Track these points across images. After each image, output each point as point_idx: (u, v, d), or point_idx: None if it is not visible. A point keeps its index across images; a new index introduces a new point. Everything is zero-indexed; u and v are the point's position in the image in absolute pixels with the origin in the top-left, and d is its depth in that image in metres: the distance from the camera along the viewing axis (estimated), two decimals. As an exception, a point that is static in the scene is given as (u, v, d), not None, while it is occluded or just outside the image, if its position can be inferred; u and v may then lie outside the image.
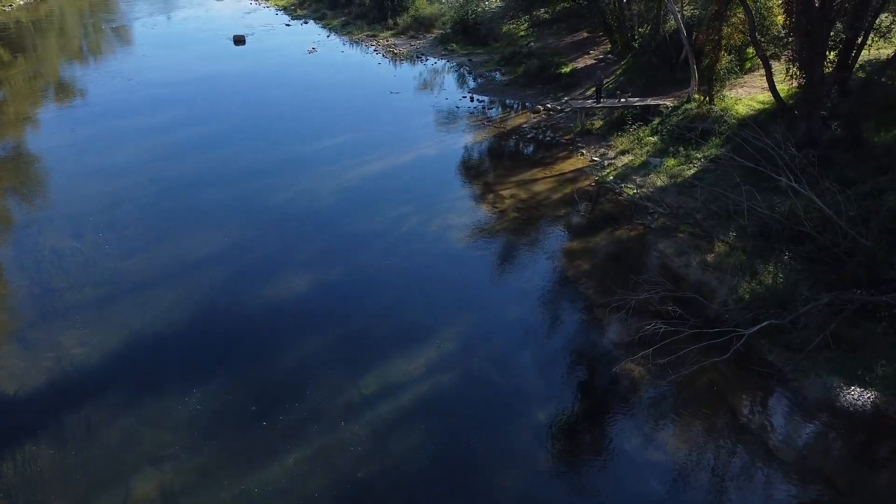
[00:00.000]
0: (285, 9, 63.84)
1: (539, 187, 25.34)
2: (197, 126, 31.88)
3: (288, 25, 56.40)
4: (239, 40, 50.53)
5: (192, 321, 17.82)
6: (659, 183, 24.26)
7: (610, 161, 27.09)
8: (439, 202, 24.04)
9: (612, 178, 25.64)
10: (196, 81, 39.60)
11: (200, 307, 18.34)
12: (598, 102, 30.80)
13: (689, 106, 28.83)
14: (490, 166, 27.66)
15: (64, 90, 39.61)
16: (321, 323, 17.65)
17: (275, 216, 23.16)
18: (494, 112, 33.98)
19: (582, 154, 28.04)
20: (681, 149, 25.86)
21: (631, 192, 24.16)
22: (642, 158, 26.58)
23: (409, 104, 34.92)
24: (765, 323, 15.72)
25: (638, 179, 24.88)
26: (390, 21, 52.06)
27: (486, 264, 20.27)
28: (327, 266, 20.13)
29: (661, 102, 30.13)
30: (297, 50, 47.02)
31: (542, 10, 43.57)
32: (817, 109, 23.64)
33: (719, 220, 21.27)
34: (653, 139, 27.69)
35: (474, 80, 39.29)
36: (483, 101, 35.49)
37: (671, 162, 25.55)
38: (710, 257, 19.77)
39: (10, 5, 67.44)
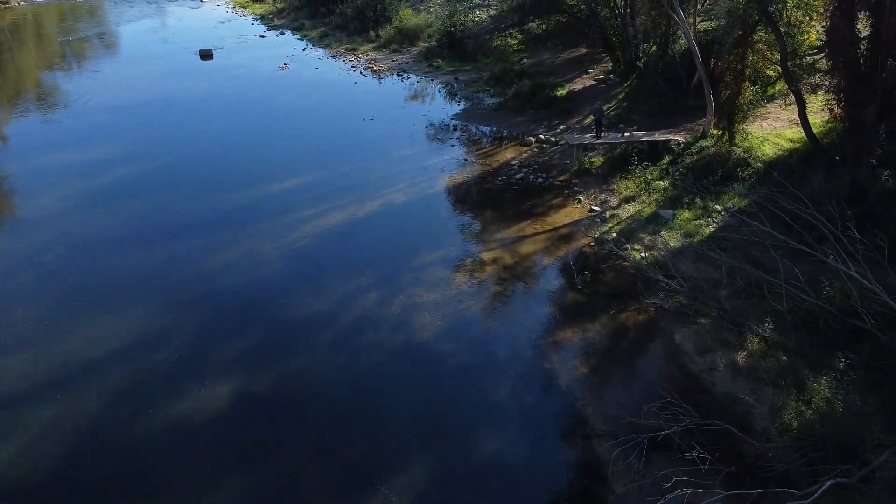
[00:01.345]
0: (262, 18, 59.63)
1: (527, 248, 21.09)
2: (130, 165, 27.58)
3: (262, 37, 52.17)
4: (206, 55, 46.31)
5: (67, 458, 13.59)
6: (672, 243, 20.03)
7: (612, 211, 22.85)
8: (405, 270, 19.77)
9: (614, 234, 21.39)
10: (146, 105, 35.36)
11: (80, 437, 14.08)
12: (598, 137, 26.53)
13: (704, 143, 24.59)
14: (470, 219, 23.38)
15: None
16: (231, 467, 13.38)
17: (201, 292, 18.89)
18: (480, 144, 29.73)
19: (579, 201, 23.80)
20: (697, 199, 21.63)
21: (638, 257, 19.90)
22: (651, 209, 22.34)
23: (382, 133, 30.67)
24: (827, 483, 11.51)
25: (646, 238, 20.61)
26: (372, 33, 47.82)
27: (456, 366, 16.01)
28: (255, 371, 15.83)
29: (671, 137, 25.89)
30: (268, 66, 42.75)
31: (536, 23, 39.28)
32: (866, 156, 19.42)
33: (749, 300, 17.06)
34: (662, 183, 23.46)
35: (459, 102, 35.05)
36: (468, 129, 31.26)
37: (685, 215, 21.32)
38: (741, 357, 15.54)
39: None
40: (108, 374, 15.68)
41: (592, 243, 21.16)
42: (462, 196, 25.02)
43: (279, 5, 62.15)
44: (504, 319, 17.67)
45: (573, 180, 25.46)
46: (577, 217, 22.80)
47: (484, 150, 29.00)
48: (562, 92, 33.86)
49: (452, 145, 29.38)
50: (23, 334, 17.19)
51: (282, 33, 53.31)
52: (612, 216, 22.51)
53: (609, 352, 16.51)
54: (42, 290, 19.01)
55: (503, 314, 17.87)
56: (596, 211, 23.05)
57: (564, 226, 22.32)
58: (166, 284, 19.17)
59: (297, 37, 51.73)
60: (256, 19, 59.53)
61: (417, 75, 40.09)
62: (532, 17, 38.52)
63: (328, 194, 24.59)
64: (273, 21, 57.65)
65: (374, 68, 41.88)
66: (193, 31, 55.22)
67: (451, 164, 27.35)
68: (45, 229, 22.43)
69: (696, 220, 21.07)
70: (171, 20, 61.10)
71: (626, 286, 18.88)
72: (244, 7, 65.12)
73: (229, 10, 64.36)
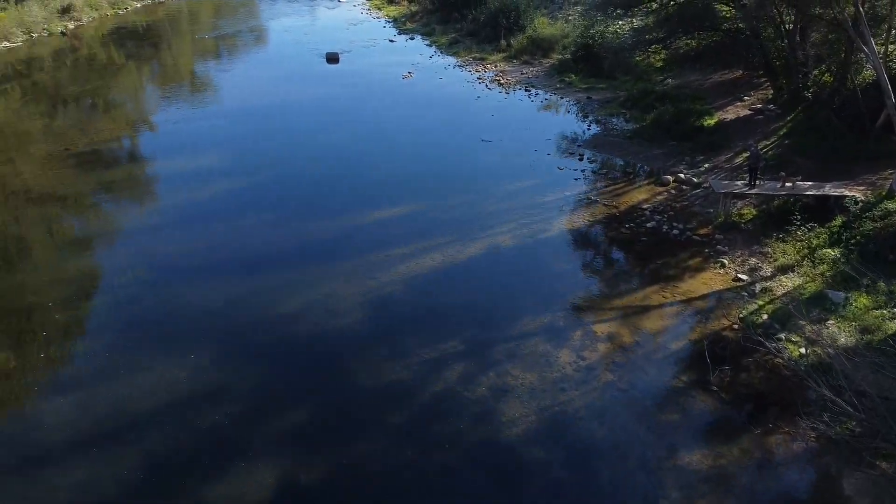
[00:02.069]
0: (395, 21, 58.29)
1: (653, 323, 17.42)
2: (224, 180, 26.17)
3: (391, 41, 50.63)
4: (332, 59, 45.28)
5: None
6: (843, 339, 15.73)
7: (763, 283, 18.64)
8: (501, 339, 16.73)
9: (765, 317, 17.26)
10: (259, 112, 34.37)
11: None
12: (752, 186, 22.18)
13: (892, 205, 19.74)
14: (586, 277, 19.94)
15: (117, 117, 35.69)
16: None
17: (268, 341, 16.78)
18: (608, 179, 26.09)
19: (722, 265, 19.72)
20: (879, 282, 17.06)
21: (796, 354, 15.75)
22: (815, 286, 17.98)
23: (499, 159, 27.71)
24: None
25: (807, 327, 16.29)
26: (503, 42, 44.92)
27: (545, 486, 12.77)
28: (307, 455, 13.39)
29: (846, 193, 21.15)
30: (391, 73, 40.94)
31: (685, 39, 34.79)
32: None
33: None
34: (832, 253, 18.96)
35: (589, 126, 31.43)
36: (596, 159, 27.67)
37: (862, 301, 16.86)
38: (941, 532, 11.32)
39: (126, 8, 66.47)
40: (149, 436, 13.82)
41: (736, 326, 17.13)
42: (580, 245, 21.60)
43: (413, 8, 60.66)
44: (613, 425, 14.20)
45: (716, 236, 21.35)
46: (718, 286, 18.78)
47: (612, 187, 25.33)
48: (710, 121, 29.45)
49: (576, 178, 25.92)
50: (76, 373, 15.82)
51: (411, 38, 51.57)
52: (764, 290, 18.31)
53: (749, 494, 12.67)
54: (106, 321, 17.65)
55: (613, 417, 14.41)
56: (743, 281, 18.90)
57: (701, 297, 18.39)
58: (234, 327, 17.23)
59: (427, 42, 49.74)
60: (389, 22, 58.28)
61: (547, 91, 36.77)
62: (680, 34, 34.11)
63: (428, 230, 22.00)
64: (405, 24, 56.13)
65: (502, 81, 38.98)
66: (326, 32, 54.74)
67: (572, 203, 23.97)
68: (124, 247, 21.40)
69: (876, 309, 16.57)
70: (306, 20, 61.16)
71: (778, 394, 14.86)
72: (379, 9, 64.23)
73: (364, 12, 63.65)
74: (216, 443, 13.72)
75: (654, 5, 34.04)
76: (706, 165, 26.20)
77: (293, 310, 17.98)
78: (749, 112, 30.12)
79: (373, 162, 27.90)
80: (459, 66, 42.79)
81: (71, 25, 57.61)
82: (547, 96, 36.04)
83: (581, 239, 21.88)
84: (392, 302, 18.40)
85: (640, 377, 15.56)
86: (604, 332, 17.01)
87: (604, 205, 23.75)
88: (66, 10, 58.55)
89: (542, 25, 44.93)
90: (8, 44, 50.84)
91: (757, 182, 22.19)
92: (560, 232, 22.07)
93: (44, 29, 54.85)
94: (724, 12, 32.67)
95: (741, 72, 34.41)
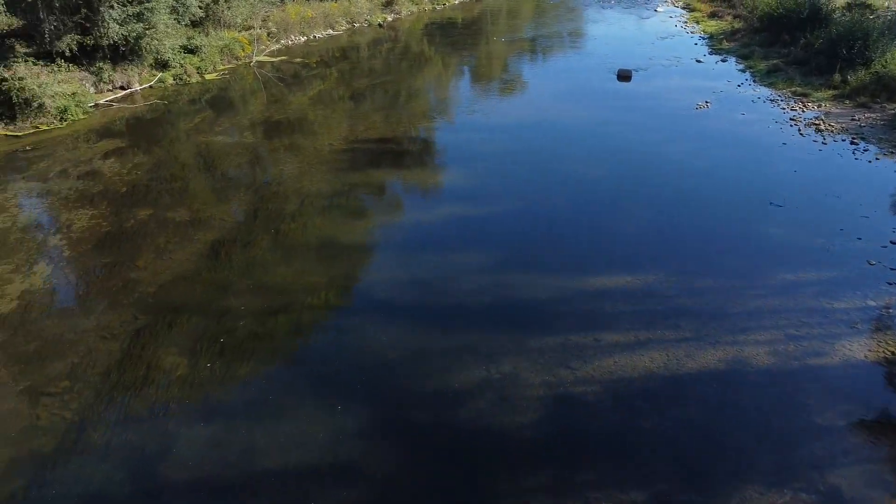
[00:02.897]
0: (711, 37, 51.62)
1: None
2: (451, 203, 23.95)
3: (699, 62, 44.59)
4: (624, 76, 41.11)
5: None
6: None
7: None
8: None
9: None
10: (525, 130, 31.71)
11: None
12: None
13: None
14: (861, 445, 13.77)
15: (399, 111, 35.79)
16: None
17: (404, 428, 14.09)
18: (942, 292, 18.62)
19: None
20: None
21: None
22: None
23: (784, 233, 21.54)
24: None
25: None
26: (837, 76, 36.48)
27: None
28: None
29: None
30: (684, 101, 35.58)
31: None
32: None
33: None
34: None
35: (934, 208, 23.33)
36: (929, 260, 20.10)
37: None
38: None
39: (444, 3, 68.94)
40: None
41: None
42: (862, 394, 15.17)
43: (736, 24, 53.25)
44: None
45: None
46: None
47: (946, 307, 17.95)
48: None
49: (890, 282, 18.91)
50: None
51: (723, 60, 44.88)
52: None
53: None
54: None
55: None
56: None
57: None
58: (374, 397, 14.91)
59: (740, 67, 42.79)
60: (704, 39, 51.80)
61: (882, 147, 28.54)
62: None
63: (658, 315, 17.41)
64: (721, 43, 49.27)
65: (822, 126, 31.36)
66: (629, 44, 50.50)
67: (878, 320, 17.34)
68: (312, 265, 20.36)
69: None
70: (612, 29, 57.32)
71: None
72: (697, 22, 57.72)
73: (680, 25, 57.70)
74: None
75: None
76: None
77: (457, 385, 15.07)
78: None
79: (623, 208, 23.65)
80: (772, 100, 35.68)
81: (389, 18, 61.17)
82: (880, 154, 27.90)
83: (866, 381, 15.44)
84: (585, 411, 14.46)
85: None
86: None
87: (926, 333, 16.75)
88: (388, 3, 62.36)
89: (897, 61, 35.53)
90: (332, 31, 55.42)
91: None
92: (845, 362, 15.86)
93: (365, 19, 58.89)
94: None
95: None
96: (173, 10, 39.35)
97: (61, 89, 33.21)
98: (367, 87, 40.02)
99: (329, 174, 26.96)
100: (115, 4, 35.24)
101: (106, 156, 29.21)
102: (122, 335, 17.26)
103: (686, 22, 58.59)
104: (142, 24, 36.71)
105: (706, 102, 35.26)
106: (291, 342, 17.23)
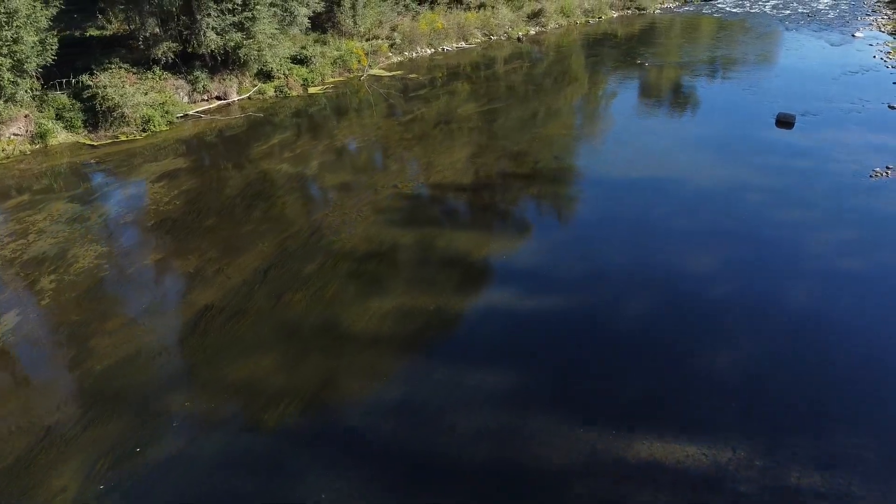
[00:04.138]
0: (918, 76, 41.41)
1: None
2: (536, 318, 18.73)
3: (893, 108, 35.37)
4: (784, 122, 33.22)
5: None
6: None
7: None
8: None
9: None
10: (633, 191, 25.52)
11: None
12: None
13: None
14: None
15: (488, 145, 30.99)
16: None
17: None
18: None
19: None
20: None
21: None
22: None
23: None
24: None
25: None
26: None
27: None
28: None
29: None
30: (857, 164, 27.44)
31: None
32: None
33: None
34: None
35: None
36: None
37: None
38: None
39: (600, 17, 62.57)
40: None
41: None
42: None
43: (956, 61, 42.42)
44: None
45: None
46: None
47: None
48: None
49: None
50: None
51: (929, 108, 35.30)
52: None
53: None
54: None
55: None
56: None
57: None
58: None
59: (950, 120, 33.23)
60: (909, 76, 41.74)
61: None
62: None
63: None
64: (930, 84, 39.20)
65: None
66: (807, 77, 41.73)
67: None
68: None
69: None
70: (792, 57, 48.21)
71: None
72: (906, 54, 47.10)
73: (880, 56, 47.32)
74: None
75: None
76: None
77: None
78: None
79: (721, 329, 17.30)
80: None
81: (533, 31, 56.16)
82: None
83: None
84: None
85: None
86: None
87: None
88: (534, 15, 57.32)
89: None
90: (464, 44, 51.46)
91: None
92: None
93: (504, 32, 54.35)
94: None
95: None
96: (281, 20, 37.21)
97: (145, 99, 32.01)
98: (473, 115, 35.53)
99: (375, 227, 22.90)
100: (213, 13, 33.50)
101: (160, 178, 27.25)
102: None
103: (889, 53, 48.00)
104: (241, 34, 34.82)
105: (887, 170, 26.97)
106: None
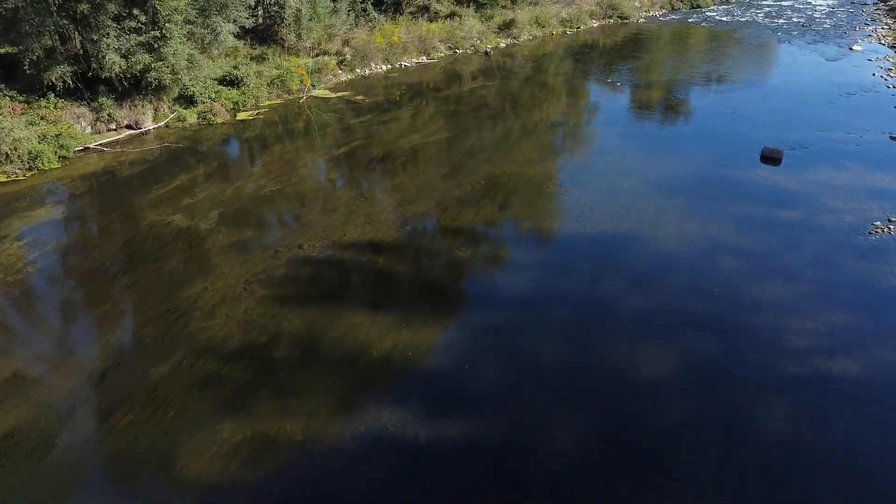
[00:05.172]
0: (923, 99, 37.14)
1: None
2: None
3: (894, 139, 31.10)
4: (770, 157, 28.91)
5: None
6: None
7: None
8: None
9: None
10: (575, 254, 21.23)
11: None
12: None
13: None
14: None
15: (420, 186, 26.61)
16: None
17: None
18: None
19: None
20: None
21: None
22: None
23: None
24: None
25: None
26: None
27: None
28: None
29: None
30: (853, 216, 23.19)
31: None
32: None
33: None
34: None
35: None
36: None
37: None
38: None
39: (578, 27, 58.24)
40: None
41: None
42: None
43: (965, 82, 38.13)
44: None
45: None
46: None
47: None
48: None
49: None
50: None
51: (935, 139, 31.00)
52: None
53: None
54: None
55: None
56: None
57: None
58: None
59: (960, 155, 28.93)
60: (911, 101, 37.42)
61: None
62: None
63: None
64: (936, 110, 34.93)
65: None
66: (799, 99, 37.54)
67: None
68: None
69: None
70: (785, 75, 43.96)
71: None
72: (909, 71, 42.82)
73: (880, 73, 43.02)
74: None
75: None
76: None
77: None
78: None
79: (677, 460, 13.00)
80: None
81: (503, 44, 51.84)
82: None
83: None
84: None
85: None
86: None
87: None
88: (505, 27, 53.00)
89: None
90: (425, 59, 47.14)
91: None
92: None
93: (471, 45, 50.02)
94: None
95: None
96: (201, 38, 32.83)
97: (27, 133, 27.56)
98: (416, 147, 31.18)
99: (260, 308, 18.56)
100: (112, 33, 29.08)
101: (25, 234, 22.89)
102: None
103: (890, 70, 43.69)
104: (151, 55, 30.42)
105: (889, 225, 22.65)
106: None
